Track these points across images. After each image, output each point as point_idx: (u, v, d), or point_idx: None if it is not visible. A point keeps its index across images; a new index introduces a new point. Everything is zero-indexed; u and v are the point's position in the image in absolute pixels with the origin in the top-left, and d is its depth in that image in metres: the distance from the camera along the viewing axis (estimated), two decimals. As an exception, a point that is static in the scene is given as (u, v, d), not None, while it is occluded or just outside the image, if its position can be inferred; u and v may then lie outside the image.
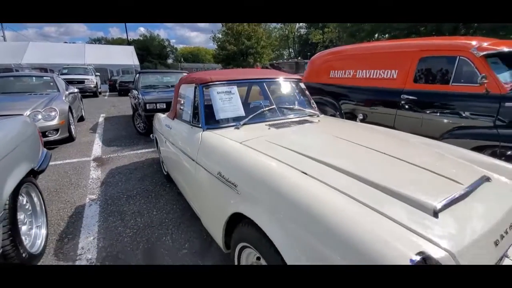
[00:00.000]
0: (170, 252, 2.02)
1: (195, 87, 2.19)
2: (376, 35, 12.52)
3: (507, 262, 1.23)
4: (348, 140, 1.66)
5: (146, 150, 4.64)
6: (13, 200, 1.65)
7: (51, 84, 6.06)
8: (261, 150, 1.49)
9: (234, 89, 2.16)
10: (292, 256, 0.99)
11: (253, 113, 2.11)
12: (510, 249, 1.29)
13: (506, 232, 1.00)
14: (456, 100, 2.84)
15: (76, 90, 6.89)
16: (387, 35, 12.59)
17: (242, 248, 1.36)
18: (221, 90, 2.12)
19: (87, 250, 2.04)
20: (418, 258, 0.73)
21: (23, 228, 1.83)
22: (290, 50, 41.20)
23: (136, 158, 4.25)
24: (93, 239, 2.19)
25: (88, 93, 13.66)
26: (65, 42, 43.14)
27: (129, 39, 35.51)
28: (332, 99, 4.21)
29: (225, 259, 1.91)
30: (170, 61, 53.12)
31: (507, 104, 2.53)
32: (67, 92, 5.96)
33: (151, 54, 45.92)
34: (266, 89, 2.34)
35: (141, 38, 48.39)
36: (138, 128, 5.90)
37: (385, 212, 0.93)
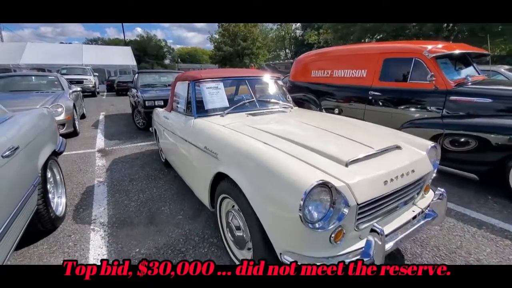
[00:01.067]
0: (168, 218, 2.47)
1: (188, 84, 2.64)
2: (367, 38, 13.06)
3: (414, 208, 1.71)
4: (305, 123, 2.14)
5: (146, 143, 5.08)
6: (44, 171, 2.09)
7: (56, 83, 6.47)
8: (238, 130, 1.96)
9: (220, 85, 2.62)
10: (252, 194, 1.44)
11: (236, 104, 2.57)
12: (419, 201, 1.77)
13: (396, 178, 1.47)
14: (413, 95, 3.33)
15: (78, 89, 7.30)
16: (379, 36, 13.12)
17: (223, 199, 1.82)
18: (210, 86, 2.58)
19: (100, 217, 2.49)
20: (320, 182, 1.19)
21: (49, 196, 2.27)
22: (287, 51, 41.65)
23: (137, 149, 4.69)
24: (104, 209, 2.63)
25: (86, 93, 14.00)
26: (62, 43, 43.30)
27: (126, 39, 35.70)
28: (314, 96, 4.68)
29: (212, 219, 2.37)
30: (167, 61, 53.37)
31: (451, 98, 3.02)
32: (70, 91, 6.39)
33: (148, 54, 46.15)
34: (248, 85, 2.80)
35: (138, 39, 48.66)
36: (138, 124, 6.33)
37: (311, 162, 1.40)
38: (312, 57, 4.98)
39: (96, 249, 2.02)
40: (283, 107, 2.80)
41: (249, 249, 1.64)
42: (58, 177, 2.51)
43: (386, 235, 1.44)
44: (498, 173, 2.64)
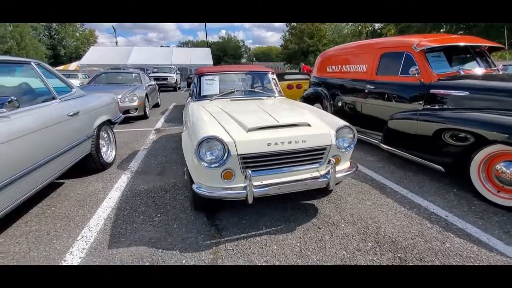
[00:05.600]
0: (172, 173, 3.45)
1: (196, 76, 3.55)
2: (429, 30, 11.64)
3: (315, 173, 2.17)
4: (258, 105, 2.76)
5: (190, 126, 6.32)
6: (98, 130, 3.33)
7: (137, 78, 8.45)
8: (208, 109, 2.74)
9: (216, 77, 3.44)
10: (184, 145, 2.22)
11: (224, 92, 3.35)
12: (324, 169, 2.22)
13: (282, 143, 1.99)
14: (401, 88, 3.44)
15: (153, 83, 9.25)
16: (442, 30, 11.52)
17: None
18: (208, 78, 3.43)
19: (132, 167, 3.66)
20: (209, 136, 1.88)
21: (103, 149, 3.53)
22: (364, 46, 39.13)
23: (181, 130, 5.94)
24: (137, 164, 3.81)
25: (169, 88, 16.91)
26: (162, 46, 51.53)
27: (210, 41, 39.91)
28: (326, 91, 4.99)
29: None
30: (243, 60, 57.22)
31: (431, 91, 3.07)
32: (147, 84, 8.25)
33: (228, 54, 50.54)
34: (239, 78, 3.54)
35: (220, 40, 53.67)
36: (191, 112, 7.73)
37: (225, 126, 2.10)
38: (329, 53, 5.27)
39: (120, 183, 3.14)
40: (265, 96, 3.42)
41: (193, 186, 2.42)
42: (111, 138, 3.81)
43: (274, 184, 2.00)
44: (462, 166, 2.65)
